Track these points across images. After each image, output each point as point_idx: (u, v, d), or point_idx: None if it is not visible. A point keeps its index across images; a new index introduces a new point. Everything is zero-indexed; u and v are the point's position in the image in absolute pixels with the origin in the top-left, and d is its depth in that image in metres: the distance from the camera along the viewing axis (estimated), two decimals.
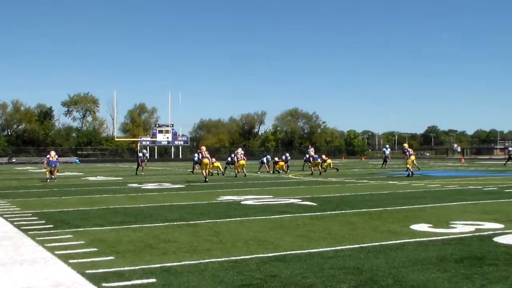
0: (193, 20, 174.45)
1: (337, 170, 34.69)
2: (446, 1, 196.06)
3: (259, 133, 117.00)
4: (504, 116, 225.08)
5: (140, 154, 35.60)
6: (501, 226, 9.45)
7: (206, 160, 25.06)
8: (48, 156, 27.59)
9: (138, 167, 34.71)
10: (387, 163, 40.14)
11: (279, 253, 7.25)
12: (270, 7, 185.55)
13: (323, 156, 36.00)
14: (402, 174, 28.71)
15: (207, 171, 25.35)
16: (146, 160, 36.57)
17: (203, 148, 26.34)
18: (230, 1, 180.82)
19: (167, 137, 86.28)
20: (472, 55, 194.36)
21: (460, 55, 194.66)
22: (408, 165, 26.70)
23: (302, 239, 8.42)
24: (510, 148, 47.30)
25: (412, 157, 27.37)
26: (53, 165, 27.05)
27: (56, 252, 7.40)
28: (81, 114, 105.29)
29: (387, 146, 46.25)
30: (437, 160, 64.00)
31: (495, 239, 8.11)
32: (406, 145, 29.91)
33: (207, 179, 24.54)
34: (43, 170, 28.47)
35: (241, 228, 9.67)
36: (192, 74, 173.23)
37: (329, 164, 36.01)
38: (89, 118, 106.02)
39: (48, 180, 26.26)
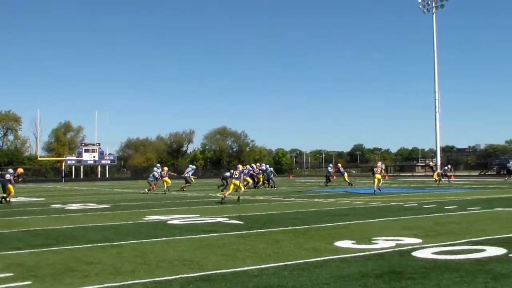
0: (118, 38, 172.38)
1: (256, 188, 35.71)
2: (375, 24, 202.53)
3: (188, 151, 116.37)
4: (424, 135, 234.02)
5: (189, 169, 36.70)
6: (419, 241, 9.78)
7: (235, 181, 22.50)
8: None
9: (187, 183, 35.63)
10: (330, 182, 39.60)
11: (204, 273, 7.23)
12: (196, 25, 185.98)
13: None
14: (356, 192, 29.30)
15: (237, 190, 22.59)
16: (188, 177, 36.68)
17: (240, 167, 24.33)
18: (157, 20, 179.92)
19: (94, 156, 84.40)
20: (396, 75, 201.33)
21: (385, 75, 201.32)
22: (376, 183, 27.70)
23: (227, 258, 8.43)
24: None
25: (378, 176, 28.39)
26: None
27: None
28: (2, 132, 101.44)
29: (331, 165, 46.10)
30: (362, 177, 65.50)
31: (414, 253, 8.38)
32: (379, 163, 31.40)
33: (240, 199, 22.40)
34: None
35: (167, 248, 9.57)
36: (119, 93, 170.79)
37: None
38: (11, 137, 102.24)
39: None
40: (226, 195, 22.47)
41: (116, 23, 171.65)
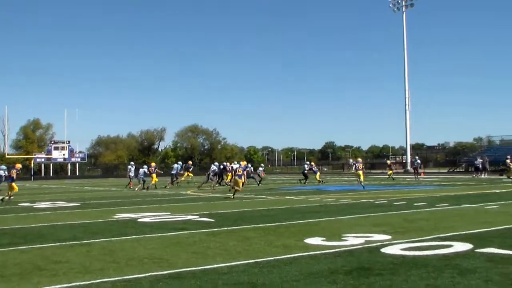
0: (88, 36, 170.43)
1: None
2: (347, 20, 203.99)
3: (159, 149, 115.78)
4: (395, 133, 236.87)
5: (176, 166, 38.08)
6: (388, 237, 9.89)
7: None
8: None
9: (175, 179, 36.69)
10: (307, 179, 39.52)
11: (173, 271, 7.20)
12: (164, 23, 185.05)
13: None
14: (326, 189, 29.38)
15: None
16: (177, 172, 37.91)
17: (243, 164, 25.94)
18: (124, 16, 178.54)
19: (63, 154, 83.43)
20: (367, 74, 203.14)
21: (357, 74, 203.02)
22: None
23: (197, 255, 8.41)
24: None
25: (360, 172, 29.53)
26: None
27: None
28: None
29: (307, 162, 46.10)
30: (333, 175, 66.04)
31: (383, 250, 8.47)
32: (360, 159, 33.05)
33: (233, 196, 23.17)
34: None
35: (137, 246, 9.51)
36: (89, 90, 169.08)
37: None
38: None
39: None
40: (239, 189, 23.59)
41: (86, 20, 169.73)
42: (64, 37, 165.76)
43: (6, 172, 25.07)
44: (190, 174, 38.44)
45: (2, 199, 23.79)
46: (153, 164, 37.42)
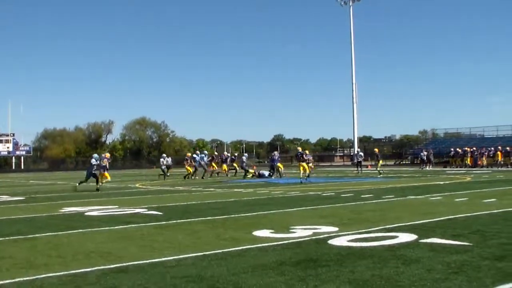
0: (31, 28, 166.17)
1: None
2: (289, 15, 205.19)
3: (107, 142, 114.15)
4: (343, 125, 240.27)
5: (198, 157, 37.27)
6: (335, 229, 10.02)
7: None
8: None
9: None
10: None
11: (121, 264, 7.12)
12: (108, 15, 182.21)
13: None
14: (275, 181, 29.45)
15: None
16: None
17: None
18: (69, 9, 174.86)
19: (8, 147, 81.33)
20: (315, 67, 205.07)
21: (304, 66, 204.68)
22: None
23: (145, 249, 8.34)
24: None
25: (310, 164, 30.36)
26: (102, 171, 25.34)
27: None
28: None
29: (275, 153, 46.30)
30: None
31: (330, 241, 8.58)
32: (307, 151, 33.11)
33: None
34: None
35: (83, 240, 9.36)
36: (35, 82, 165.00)
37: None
38: None
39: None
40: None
41: (29, 12, 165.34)
42: (6, 28, 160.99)
43: (98, 161, 24.98)
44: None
45: (97, 189, 23.96)
46: (188, 154, 38.96)
